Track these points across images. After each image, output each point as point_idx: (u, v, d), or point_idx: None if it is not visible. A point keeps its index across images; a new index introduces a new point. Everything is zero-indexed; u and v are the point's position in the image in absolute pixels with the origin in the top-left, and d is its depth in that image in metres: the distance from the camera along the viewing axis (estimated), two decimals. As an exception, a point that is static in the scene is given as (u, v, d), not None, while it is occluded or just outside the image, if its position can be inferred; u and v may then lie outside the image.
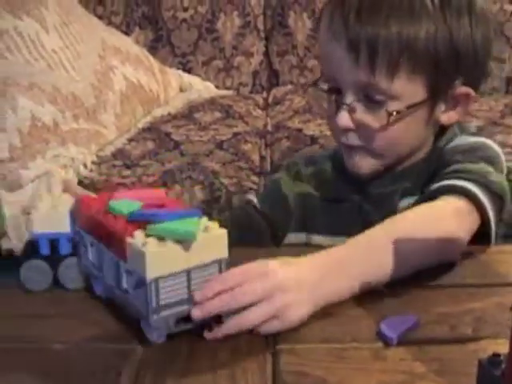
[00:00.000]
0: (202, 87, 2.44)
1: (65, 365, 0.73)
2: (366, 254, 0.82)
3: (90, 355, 0.74)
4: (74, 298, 0.85)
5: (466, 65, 0.98)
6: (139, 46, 2.35)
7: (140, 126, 2.11)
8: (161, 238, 0.72)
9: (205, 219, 0.76)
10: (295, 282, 0.76)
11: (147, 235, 0.72)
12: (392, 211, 1.00)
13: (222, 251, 0.75)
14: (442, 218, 0.88)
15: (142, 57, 2.26)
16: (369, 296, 0.81)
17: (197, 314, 0.73)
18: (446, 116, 1.01)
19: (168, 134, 2.04)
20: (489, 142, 1.01)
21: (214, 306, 0.74)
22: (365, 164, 1.01)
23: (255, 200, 1.10)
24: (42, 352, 0.75)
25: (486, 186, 0.91)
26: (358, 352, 0.72)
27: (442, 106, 1.00)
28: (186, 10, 2.48)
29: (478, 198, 0.89)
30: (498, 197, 0.92)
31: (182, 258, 0.72)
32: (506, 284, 0.85)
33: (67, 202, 0.86)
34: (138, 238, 0.72)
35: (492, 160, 0.97)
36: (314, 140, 1.93)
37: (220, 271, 0.75)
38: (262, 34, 2.50)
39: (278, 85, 2.48)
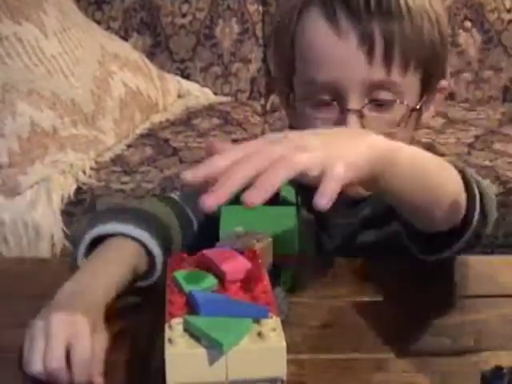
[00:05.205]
0: (199, 93, 2.44)
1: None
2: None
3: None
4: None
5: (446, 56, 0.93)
6: (138, 52, 2.35)
7: (138, 132, 2.11)
8: (198, 336, 0.57)
9: (268, 321, 0.59)
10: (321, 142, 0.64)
11: (185, 329, 0.58)
12: (350, 243, 0.96)
13: (278, 368, 0.59)
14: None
15: (141, 63, 2.26)
16: (369, 306, 0.82)
17: (187, 175, 0.58)
18: (426, 117, 0.94)
19: (166, 141, 2.04)
20: None
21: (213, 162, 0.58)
22: None
23: (176, 197, 1.00)
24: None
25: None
26: (361, 363, 0.73)
27: (428, 106, 0.94)
28: (184, 15, 2.48)
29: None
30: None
31: (217, 367, 0.57)
32: (508, 295, 0.85)
33: None
34: (174, 329, 0.58)
35: None
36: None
37: None
38: (261, 41, 2.50)
39: (276, 91, 2.49)
